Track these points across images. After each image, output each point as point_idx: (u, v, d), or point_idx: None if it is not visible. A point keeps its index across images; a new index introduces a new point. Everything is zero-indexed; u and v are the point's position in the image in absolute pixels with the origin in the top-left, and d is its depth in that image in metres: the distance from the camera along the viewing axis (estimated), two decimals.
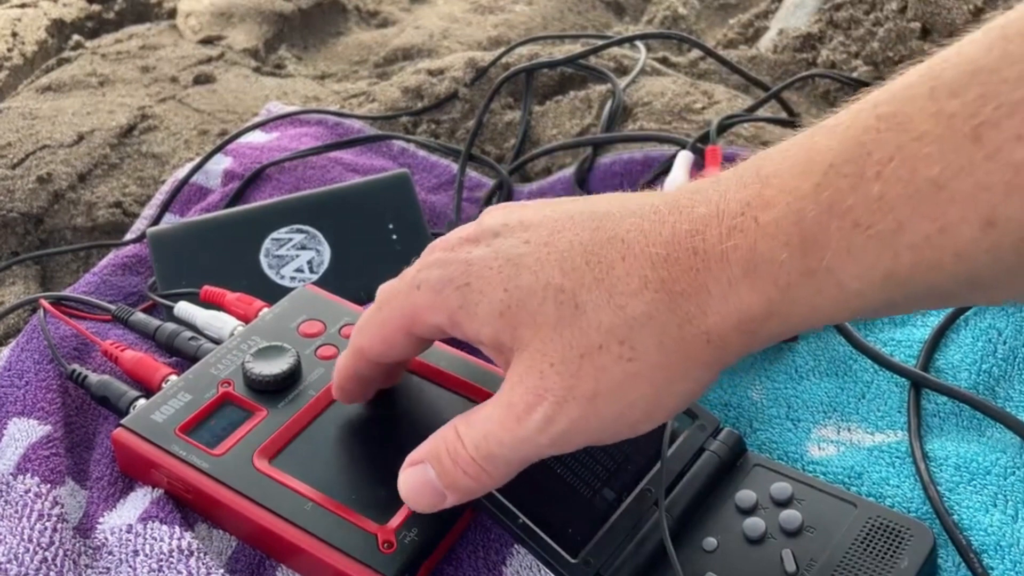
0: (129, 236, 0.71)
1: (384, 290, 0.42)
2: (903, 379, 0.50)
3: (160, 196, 0.74)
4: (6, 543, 0.43)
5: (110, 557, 0.43)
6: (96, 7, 1.16)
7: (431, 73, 0.88)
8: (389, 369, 0.44)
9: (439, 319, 0.37)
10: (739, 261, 0.32)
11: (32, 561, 0.42)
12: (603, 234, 0.35)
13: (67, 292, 0.62)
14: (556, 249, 0.35)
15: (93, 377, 0.52)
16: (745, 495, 0.44)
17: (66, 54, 1.03)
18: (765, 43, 0.95)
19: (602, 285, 0.34)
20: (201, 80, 0.96)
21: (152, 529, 0.44)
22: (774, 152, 0.33)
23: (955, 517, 0.42)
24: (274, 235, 0.64)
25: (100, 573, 0.43)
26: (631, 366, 0.33)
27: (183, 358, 0.54)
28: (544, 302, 0.34)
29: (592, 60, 0.86)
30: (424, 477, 0.38)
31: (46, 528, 0.44)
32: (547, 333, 0.34)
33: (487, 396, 0.47)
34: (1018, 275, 0.29)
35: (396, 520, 0.43)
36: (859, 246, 0.30)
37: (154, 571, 0.42)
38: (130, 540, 0.44)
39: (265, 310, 0.55)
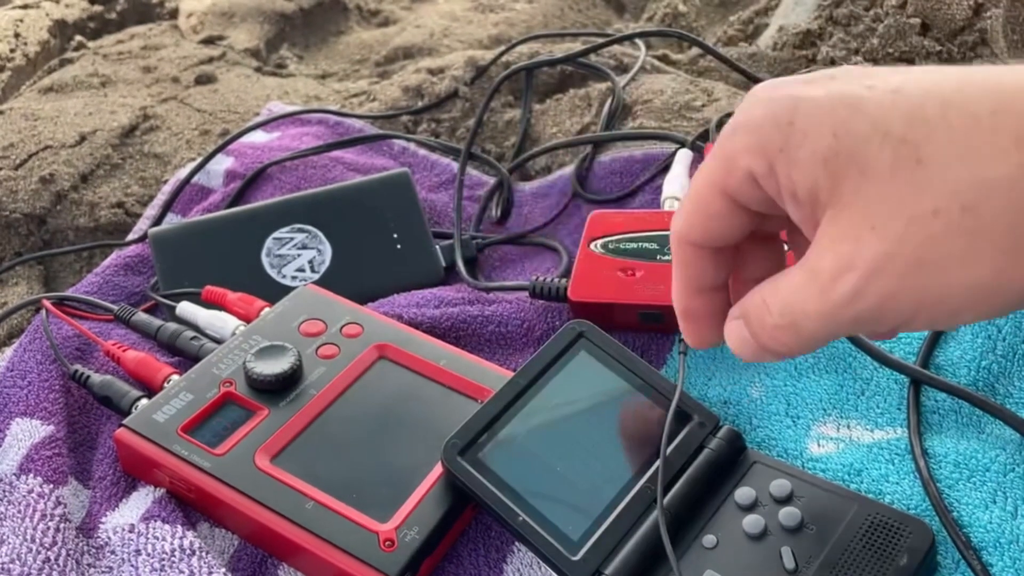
0: (131, 236, 0.71)
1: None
2: (903, 376, 0.50)
3: (162, 196, 0.75)
4: (9, 543, 0.43)
5: (112, 556, 0.44)
6: (98, 8, 1.16)
7: (431, 72, 0.88)
8: (722, 262, 0.37)
9: (754, 163, 0.32)
10: None
11: (35, 561, 0.42)
12: (973, 87, 0.29)
13: (69, 292, 0.62)
14: (906, 96, 0.29)
15: (95, 377, 0.52)
16: (745, 492, 0.44)
17: (68, 55, 1.03)
18: (765, 40, 0.95)
19: (956, 139, 0.28)
20: (202, 80, 0.96)
21: (154, 528, 0.44)
22: None
23: (954, 514, 0.42)
24: (275, 235, 0.64)
25: (103, 572, 0.43)
26: (968, 241, 0.28)
27: (185, 358, 0.55)
28: (880, 151, 0.29)
29: (592, 58, 0.86)
30: (742, 334, 0.35)
31: (49, 528, 0.44)
32: (873, 188, 0.29)
33: (488, 394, 0.47)
34: None
35: (398, 519, 0.43)
36: None
37: (156, 570, 0.42)
38: (132, 539, 0.44)
39: (266, 310, 0.55)
